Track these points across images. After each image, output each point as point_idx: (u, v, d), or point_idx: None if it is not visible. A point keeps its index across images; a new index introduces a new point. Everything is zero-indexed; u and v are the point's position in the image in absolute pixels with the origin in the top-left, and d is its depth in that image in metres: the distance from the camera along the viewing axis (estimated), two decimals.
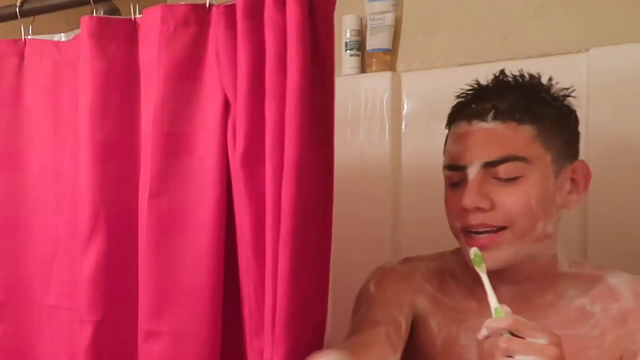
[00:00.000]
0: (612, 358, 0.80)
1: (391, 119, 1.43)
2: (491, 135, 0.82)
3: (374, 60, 1.52)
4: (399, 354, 0.84)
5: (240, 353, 0.86)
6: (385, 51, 1.52)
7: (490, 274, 0.80)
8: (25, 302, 1.00)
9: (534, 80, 0.87)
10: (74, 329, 0.92)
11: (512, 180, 0.80)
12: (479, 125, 0.83)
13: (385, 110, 1.44)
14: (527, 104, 0.83)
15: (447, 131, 0.91)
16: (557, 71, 1.29)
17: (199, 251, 0.83)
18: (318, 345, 0.81)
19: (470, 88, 0.89)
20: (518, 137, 0.81)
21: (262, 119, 0.78)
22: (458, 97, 0.90)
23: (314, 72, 0.75)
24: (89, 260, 0.88)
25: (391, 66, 1.52)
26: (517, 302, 0.82)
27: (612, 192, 1.21)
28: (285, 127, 0.74)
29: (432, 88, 1.41)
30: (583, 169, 0.87)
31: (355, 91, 1.47)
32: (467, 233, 0.83)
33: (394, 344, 0.83)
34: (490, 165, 0.81)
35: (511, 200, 0.80)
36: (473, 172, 0.82)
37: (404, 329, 0.87)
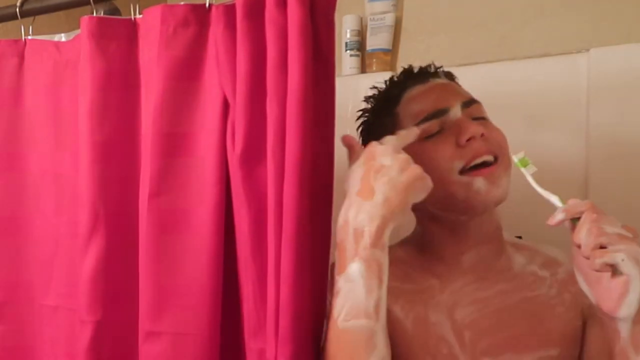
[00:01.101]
0: (575, 312, 0.84)
1: None
2: (452, 86, 0.90)
3: (374, 60, 1.52)
4: None
5: (239, 353, 0.86)
6: (385, 51, 1.52)
7: (451, 243, 0.86)
8: (25, 302, 1.00)
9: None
10: (73, 329, 0.92)
11: (484, 119, 0.86)
12: (436, 81, 0.90)
13: None
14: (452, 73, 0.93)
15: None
16: (557, 71, 1.29)
17: (198, 251, 0.83)
18: (318, 345, 0.81)
19: (405, 70, 0.94)
20: (466, 90, 0.89)
21: (261, 119, 0.78)
22: (401, 73, 0.94)
23: (316, 72, 0.75)
24: (89, 260, 0.88)
25: (391, 66, 1.52)
26: (479, 266, 0.86)
27: (612, 192, 1.21)
28: (286, 127, 0.74)
29: None
30: None
31: (355, 91, 1.47)
32: (471, 169, 0.82)
33: None
34: (466, 105, 0.85)
35: (495, 132, 0.84)
36: (458, 112, 0.85)
37: None
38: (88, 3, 0.91)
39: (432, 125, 0.85)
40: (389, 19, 1.51)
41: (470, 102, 0.86)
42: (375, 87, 0.96)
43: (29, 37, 1.00)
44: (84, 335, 0.89)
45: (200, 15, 0.84)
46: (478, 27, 1.43)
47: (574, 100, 1.25)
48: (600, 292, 0.68)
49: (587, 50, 1.26)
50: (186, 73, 0.84)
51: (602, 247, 0.67)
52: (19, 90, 1.00)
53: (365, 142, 0.94)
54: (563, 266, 0.87)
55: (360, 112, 0.96)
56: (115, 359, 0.91)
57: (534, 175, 0.78)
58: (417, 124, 0.87)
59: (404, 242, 0.93)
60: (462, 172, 0.82)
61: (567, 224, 0.72)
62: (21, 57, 1.00)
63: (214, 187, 0.83)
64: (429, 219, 0.89)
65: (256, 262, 0.79)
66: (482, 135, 0.82)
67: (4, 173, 1.01)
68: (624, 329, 0.69)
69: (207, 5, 0.84)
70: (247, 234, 0.80)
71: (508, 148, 0.84)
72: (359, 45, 1.55)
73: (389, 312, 0.88)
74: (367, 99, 0.96)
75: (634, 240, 0.67)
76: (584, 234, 0.68)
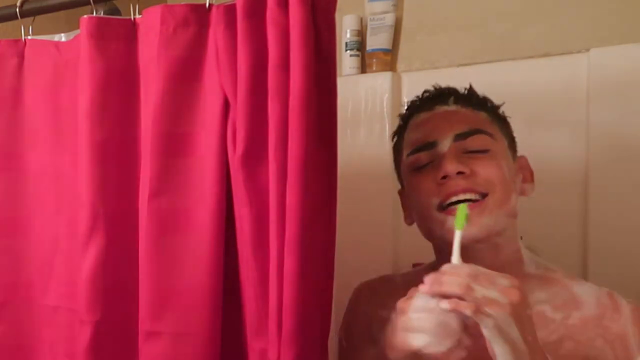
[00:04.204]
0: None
1: (391, 119, 1.43)
2: (455, 115, 0.88)
3: (374, 60, 1.52)
4: None
5: (240, 353, 0.86)
6: (385, 51, 1.52)
7: None
8: (24, 302, 1.00)
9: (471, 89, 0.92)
10: (73, 329, 0.92)
11: (482, 152, 0.83)
12: (441, 109, 0.89)
13: (385, 110, 1.44)
14: (477, 96, 0.91)
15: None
16: (557, 71, 1.30)
17: (198, 251, 0.83)
18: (323, 346, 0.81)
19: (422, 93, 0.94)
20: (478, 117, 0.87)
21: (262, 119, 0.78)
22: (411, 100, 0.94)
23: (317, 72, 0.75)
24: (88, 261, 0.88)
25: (391, 66, 1.52)
26: None
27: (612, 192, 1.21)
28: (289, 127, 0.74)
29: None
30: (526, 163, 0.91)
31: (355, 91, 1.47)
32: (447, 206, 0.81)
33: None
34: (460, 137, 0.84)
35: (487, 168, 0.82)
36: (445, 146, 0.84)
37: None
38: (88, 3, 0.91)
39: (421, 157, 0.86)
40: (389, 19, 1.51)
41: (467, 134, 0.84)
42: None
43: (29, 37, 1.00)
44: (84, 335, 0.89)
45: (200, 15, 0.84)
46: (478, 27, 1.43)
47: (574, 100, 1.25)
48: None
49: (587, 50, 1.26)
50: (186, 73, 0.84)
51: None
52: (19, 90, 1.00)
53: (393, 160, 0.95)
54: (581, 310, 0.81)
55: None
56: (115, 359, 0.91)
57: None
58: (407, 155, 0.89)
59: (432, 266, 0.91)
60: (439, 209, 0.82)
61: None
62: (21, 57, 1.00)
63: (214, 187, 0.83)
64: (436, 250, 0.90)
65: (258, 261, 0.79)
66: (461, 173, 0.80)
67: (4, 173, 1.00)
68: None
69: (207, 5, 0.84)
70: (249, 234, 0.80)
71: (502, 184, 0.81)
72: (359, 45, 1.55)
73: (377, 342, 0.88)
74: (399, 116, 0.97)
75: (503, 305, 0.65)
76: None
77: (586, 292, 0.83)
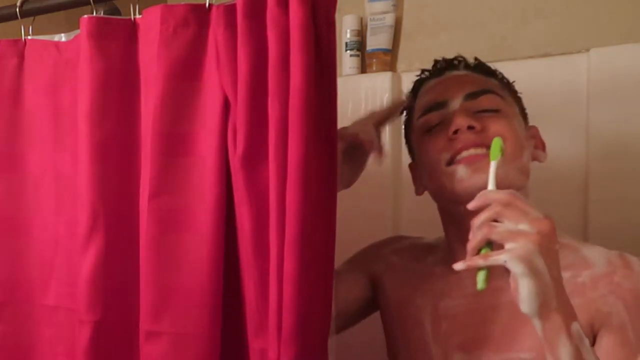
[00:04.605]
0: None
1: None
2: (466, 77, 0.89)
3: (374, 60, 1.52)
4: None
5: (240, 353, 0.86)
6: (385, 51, 1.52)
7: (459, 237, 0.84)
8: (25, 302, 1.00)
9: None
10: (73, 329, 0.92)
11: (493, 111, 0.83)
12: (452, 74, 0.90)
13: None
14: (488, 66, 0.92)
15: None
16: (557, 71, 1.29)
17: (199, 251, 0.83)
18: (323, 346, 0.81)
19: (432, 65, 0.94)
20: (489, 81, 0.89)
21: (263, 118, 0.78)
22: (418, 75, 0.95)
23: (317, 72, 0.75)
24: (88, 261, 0.88)
25: (391, 66, 1.52)
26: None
27: (612, 192, 1.21)
28: (289, 127, 0.74)
29: None
30: (538, 133, 0.91)
31: (355, 91, 1.47)
32: (455, 160, 0.81)
33: None
34: (471, 97, 0.84)
35: (498, 125, 0.82)
36: (456, 104, 0.84)
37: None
38: (88, 3, 0.91)
39: (432, 117, 0.86)
40: (389, 19, 1.51)
41: (477, 94, 0.85)
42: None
43: (29, 37, 1.00)
44: (84, 335, 0.89)
45: (201, 15, 0.84)
46: (478, 27, 1.43)
47: (574, 100, 1.25)
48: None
49: (587, 50, 1.26)
50: (186, 73, 0.84)
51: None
52: (19, 90, 1.00)
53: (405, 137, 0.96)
54: (591, 269, 0.80)
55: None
56: (114, 359, 0.91)
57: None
58: (418, 118, 0.88)
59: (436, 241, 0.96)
60: (449, 163, 0.82)
61: None
62: (21, 57, 1.00)
63: (214, 186, 0.83)
64: (444, 214, 0.91)
65: (258, 261, 0.79)
66: (471, 127, 0.81)
67: (4, 173, 1.00)
68: (537, 326, 0.67)
69: (207, 5, 0.84)
70: (249, 234, 0.80)
71: (513, 139, 0.81)
72: (359, 45, 1.55)
73: (380, 287, 0.94)
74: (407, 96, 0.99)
75: (532, 236, 0.64)
76: (475, 231, 0.67)
77: (596, 253, 0.83)
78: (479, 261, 0.66)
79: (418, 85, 0.94)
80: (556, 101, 1.27)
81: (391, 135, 1.43)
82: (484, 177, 0.76)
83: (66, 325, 0.95)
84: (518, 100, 0.92)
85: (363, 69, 1.55)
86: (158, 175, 0.84)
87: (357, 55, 1.54)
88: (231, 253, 0.84)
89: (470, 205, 0.70)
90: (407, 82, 1.45)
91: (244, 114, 0.79)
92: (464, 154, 0.81)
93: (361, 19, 1.55)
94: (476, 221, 0.68)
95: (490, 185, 0.72)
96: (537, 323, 0.66)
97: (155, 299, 0.85)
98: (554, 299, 0.65)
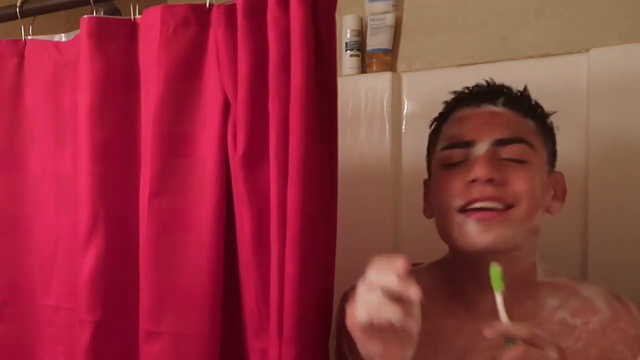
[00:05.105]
0: None
1: (391, 119, 1.43)
2: (501, 117, 0.83)
3: (374, 60, 1.52)
4: None
5: (240, 353, 0.86)
6: (385, 51, 1.51)
7: (471, 281, 0.81)
8: (25, 302, 1.00)
9: (525, 91, 0.89)
10: (73, 329, 0.92)
11: (519, 162, 0.80)
12: (487, 108, 0.84)
13: (385, 110, 1.44)
14: (530, 101, 0.87)
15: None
16: (557, 71, 1.29)
17: (199, 251, 0.83)
18: (324, 346, 0.81)
19: (472, 86, 0.90)
20: (524, 125, 0.83)
21: (263, 119, 0.78)
22: (458, 91, 0.90)
23: (317, 72, 0.75)
24: (88, 260, 0.88)
25: (391, 66, 1.52)
26: (497, 311, 0.80)
27: (612, 192, 1.21)
28: (289, 127, 0.74)
29: (432, 88, 1.41)
30: (562, 180, 0.88)
31: (355, 91, 1.47)
32: (469, 210, 0.79)
33: None
34: (500, 143, 0.80)
35: (520, 180, 0.79)
36: (482, 148, 0.80)
37: None
38: (88, 3, 0.91)
39: (454, 154, 0.82)
40: (389, 19, 1.51)
41: (507, 141, 0.80)
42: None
43: (29, 37, 1.00)
44: (84, 335, 0.89)
45: (201, 15, 0.84)
46: (478, 27, 1.43)
47: (574, 100, 1.25)
48: None
49: (587, 50, 1.26)
50: (186, 73, 0.84)
51: None
52: (19, 90, 1.00)
53: (428, 148, 0.91)
54: (598, 315, 0.80)
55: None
56: (115, 359, 0.91)
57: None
58: (441, 149, 0.85)
59: (434, 267, 0.90)
60: (461, 210, 0.80)
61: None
62: (21, 57, 1.00)
63: (214, 187, 0.83)
64: (453, 250, 0.86)
65: (258, 262, 0.79)
66: (491, 180, 0.78)
67: (4, 173, 1.00)
68: None
69: (207, 5, 0.84)
70: (249, 234, 0.80)
71: (530, 199, 0.79)
72: (359, 45, 1.54)
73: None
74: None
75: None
76: None
77: (594, 294, 0.82)
78: None
79: (454, 105, 0.88)
80: (556, 101, 1.26)
81: (391, 136, 1.43)
82: (491, 239, 0.76)
83: (66, 325, 0.95)
84: (551, 140, 0.88)
85: (363, 69, 1.55)
86: (158, 176, 0.84)
87: (357, 55, 1.54)
88: (231, 253, 0.84)
89: (489, 334, 0.69)
90: (407, 82, 1.46)
91: (244, 114, 0.79)
92: (478, 204, 0.78)
93: (361, 19, 1.55)
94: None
95: (504, 318, 0.70)
96: None
97: (155, 299, 0.85)
98: None
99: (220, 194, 0.83)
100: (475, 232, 0.78)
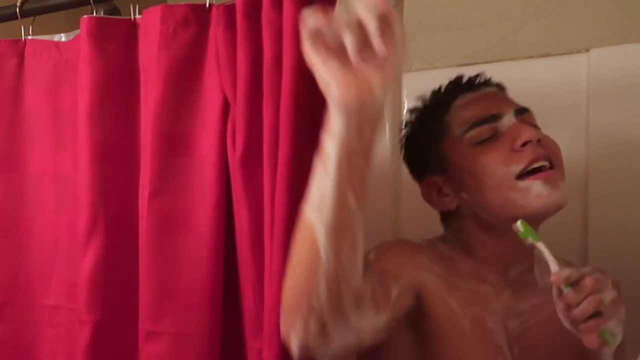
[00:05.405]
0: None
1: (391, 119, 1.43)
2: (502, 94, 0.90)
3: None
4: (382, 317, 0.75)
5: (240, 353, 0.86)
6: None
7: (499, 254, 0.85)
8: (25, 302, 1.00)
9: None
10: (73, 329, 0.92)
11: (537, 127, 0.85)
12: (487, 90, 0.90)
13: (385, 110, 1.44)
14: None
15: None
16: (557, 71, 1.29)
17: (198, 251, 0.83)
18: None
19: (455, 78, 0.94)
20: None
21: (261, 119, 0.78)
22: (450, 82, 0.94)
23: (311, 72, 0.75)
24: (88, 260, 0.88)
25: None
26: (518, 280, 0.86)
27: (612, 192, 1.21)
28: (279, 128, 0.74)
29: (432, 88, 1.40)
30: None
31: None
32: (529, 173, 0.80)
33: (377, 303, 0.75)
34: (520, 112, 0.85)
35: (549, 141, 0.83)
36: (511, 118, 0.84)
37: (394, 296, 0.79)
38: (88, 3, 0.91)
39: (485, 130, 0.84)
40: None
41: (523, 110, 0.86)
42: (421, 98, 0.96)
43: (29, 37, 1.00)
44: (83, 335, 0.89)
45: (200, 15, 0.84)
46: (478, 27, 1.42)
47: (574, 100, 1.25)
48: (585, 338, 0.70)
49: (587, 50, 1.26)
50: (186, 73, 0.84)
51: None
52: (19, 90, 1.00)
53: (408, 152, 0.96)
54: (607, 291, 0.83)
55: (406, 123, 0.96)
56: (114, 359, 0.91)
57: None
58: (467, 130, 0.86)
59: (443, 240, 0.92)
60: (519, 177, 0.80)
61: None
62: (21, 57, 1.00)
63: (214, 186, 0.83)
64: (481, 228, 0.87)
65: (255, 261, 0.79)
66: (539, 140, 0.81)
67: (4, 173, 1.01)
68: (606, 356, 0.72)
69: (207, 5, 0.84)
70: (247, 234, 0.80)
71: (561, 156, 0.83)
72: None
73: (443, 303, 0.85)
74: (411, 111, 0.96)
75: (620, 299, 0.70)
76: (583, 303, 0.68)
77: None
78: (591, 330, 0.69)
79: (450, 97, 0.91)
80: (556, 101, 1.27)
81: (391, 136, 1.43)
82: (562, 194, 0.79)
83: (66, 325, 0.95)
84: None
85: None
86: (158, 176, 0.84)
87: None
88: (230, 253, 0.84)
89: (555, 280, 0.71)
90: (407, 82, 1.46)
91: (243, 114, 0.79)
92: (535, 165, 0.80)
93: None
94: (581, 293, 0.69)
95: (554, 266, 0.73)
96: (607, 354, 0.72)
97: (155, 299, 0.85)
98: None
99: (220, 194, 0.83)
100: (547, 192, 0.79)
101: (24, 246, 1.00)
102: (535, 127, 0.85)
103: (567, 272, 0.71)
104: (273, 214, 0.75)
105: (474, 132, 0.85)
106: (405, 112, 0.97)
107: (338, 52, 0.56)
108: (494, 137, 0.84)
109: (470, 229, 0.88)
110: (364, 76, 0.56)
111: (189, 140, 0.85)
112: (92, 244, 0.88)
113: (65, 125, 0.95)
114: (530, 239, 0.75)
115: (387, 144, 1.43)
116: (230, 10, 0.81)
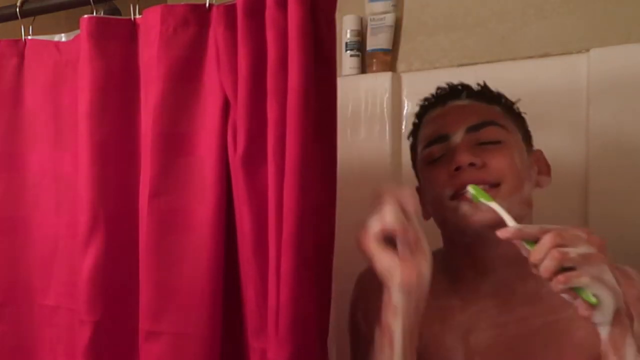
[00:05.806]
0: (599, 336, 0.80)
1: (391, 119, 1.43)
2: (468, 108, 0.90)
3: (374, 60, 1.52)
4: None
5: (240, 353, 0.86)
6: (385, 51, 1.52)
7: (468, 266, 0.86)
8: (25, 302, 1.00)
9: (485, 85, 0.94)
10: (73, 329, 0.92)
11: (494, 143, 0.85)
12: (454, 103, 0.91)
13: (385, 110, 1.44)
14: (491, 92, 0.92)
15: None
16: (557, 71, 1.30)
17: (199, 251, 0.83)
18: (321, 346, 0.81)
19: (435, 91, 0.95)
20: (491, 110, 0.89)
21: (263, 119, 0.78)
22: (424, 98, 0.95)
23: (316, 73, 0.75)
24: (88, 261, 0.88)
25: (391, 66, 1.52)
26: (501, 290, 0.85)
27: (612, 192, 1.21)
28: (287, 128, 0.74)
29: (432, 88, 1.40)
30: (542, 156, 0.92)
31: (355, 91, 1.47)
32: (460, 196, 0.83)
33: None
34: (473, 130, 0.85)
35: (498, 159, 0.83)
36: (458, 138, 0.86)
37: None
38: (88, 3, 0.91)
39: (435, 150, 0.88)
40: (389, 19, 1.51)
41: (478, 126, 0.86)
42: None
43: (29, 37, 1.00)
44: (83, 335, 0.89)
45: (201, 15, 0.84)
46: (478, 27, 1.43)
47: (574, 100, 1.25)
48: (576, 306, 0.68)
49: (587, 50, 1.26)
50: (186, 73, 0.84)
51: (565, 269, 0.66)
52: (19, 90, 1.00)
53: (412, 159, 0.97)
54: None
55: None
56: (114, 359, 0.91)
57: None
58: (422, 150, 0.90)
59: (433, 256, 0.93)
60: (452, 198, 0.84)
61: (518, 243, 0.71)
62: (21, 57, 1.00)
63: (214, 186, 0.83)
64: (448, 242, 0.91)
65: (257, 261, 0.79)
66: (472, 164, 0.82)
67: (4, 173, 1.00)
68: (602, 332, 0.69)
69: (207, 5, 0.84)
70: (249, 234, 0.80)
71: (513, 173, 0.83)
72: (359, 46, 1.54)
73: None
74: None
75: (598, 255, 0.66)
76: (546, 259, 0.66)
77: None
78: (559, 285, 0.66)
79: (422, 112, 0.95)
80: (556, 101, 1.27)
81: (391, 136, 1.43)
82: (486, 215, 0.78)
83: (66, 325, 0.95)
84: (521, 123, 0.92)
85: (363, 69, 1.55)
86: (158, 175, 0.84)
87: (357, 55, 1.54)
88: (231, 253, 0.84)
89: (502, 235, 0.70)
90: (407, 82, 1.46)
91: (244, 114, 0.79)
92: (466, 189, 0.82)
93: (361, 19, 1.55)
94: (540, 249, 0.67)
95: (510, 222, 0.73)
96: (605, 330, 0.68)
97: (155, 299, 0.85)
98: (623, 304, 0.68)
99: (221, 194, 0.83)
100: (470, 213, 0.81)
101: (24, 246, 1.00)
102: (495, 142, 0.84)
103: (526, 227, 0.70)
104: (278, 213, 0.75)
105: (426, 151, 0.89)
106: (405, 112, 0.98)
107: (391, 245, 0.74)
108: (443, 156, 0.86)
109: (444, 240, 0.92)
110: (416, 261, 0.73)
111: (189, 140, 0.84)
112: (92, 244, 0.88)
113: (65, 125, 0.95)
114: (483, 200, 0.78)
115: (387, 145, 1.43)
116: (230, 10, 0.81)
